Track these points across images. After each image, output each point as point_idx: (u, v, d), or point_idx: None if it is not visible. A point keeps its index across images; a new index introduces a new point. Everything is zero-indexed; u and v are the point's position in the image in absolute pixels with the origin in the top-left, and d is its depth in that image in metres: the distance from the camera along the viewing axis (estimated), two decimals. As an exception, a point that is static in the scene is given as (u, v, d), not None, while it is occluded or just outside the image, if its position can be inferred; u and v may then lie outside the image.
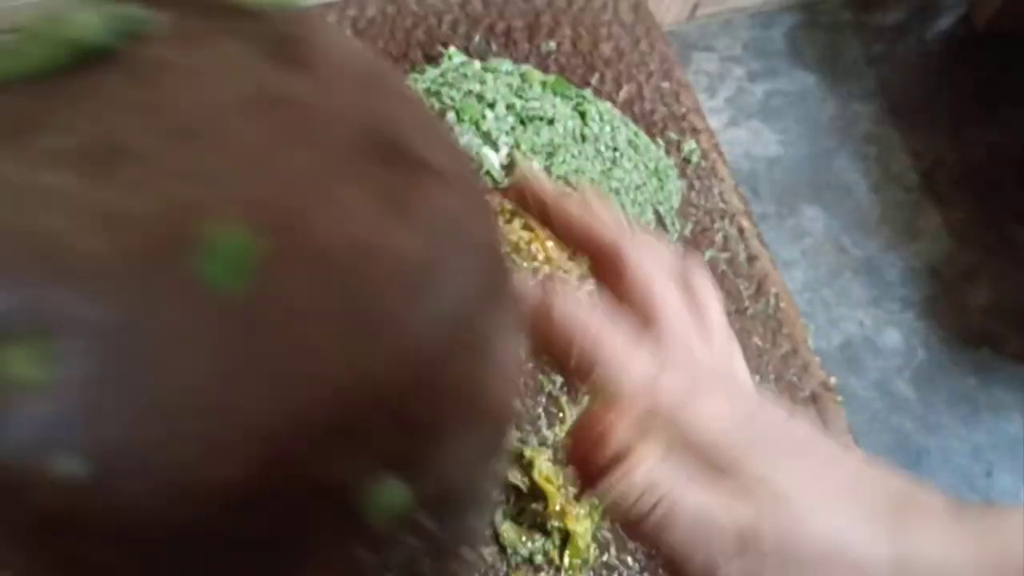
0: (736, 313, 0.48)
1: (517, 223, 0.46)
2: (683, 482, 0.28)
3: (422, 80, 0.50)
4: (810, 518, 0.28)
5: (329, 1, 0.54)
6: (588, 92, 0.52)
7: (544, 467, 0.41)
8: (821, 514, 0.29)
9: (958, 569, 0.29)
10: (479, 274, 0.20)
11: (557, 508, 0.40)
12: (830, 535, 0.28)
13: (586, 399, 0.40)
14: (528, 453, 0.41)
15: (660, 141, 0.52)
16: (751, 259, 0.49)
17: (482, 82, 0.50)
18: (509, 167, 0.48)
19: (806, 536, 0.28)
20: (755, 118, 0.65)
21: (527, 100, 0.50)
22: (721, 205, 0.51)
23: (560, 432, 0.42)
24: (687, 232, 0.49)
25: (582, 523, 0.40)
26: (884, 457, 0.51)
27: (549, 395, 0.43)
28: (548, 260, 0.47)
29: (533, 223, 0.47)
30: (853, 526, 0.29)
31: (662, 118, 0.53)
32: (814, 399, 0.46)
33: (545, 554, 0.40)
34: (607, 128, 0.50)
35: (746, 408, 0.29)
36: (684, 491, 0.28)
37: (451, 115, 0.48)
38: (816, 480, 0.29)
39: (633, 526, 0.29)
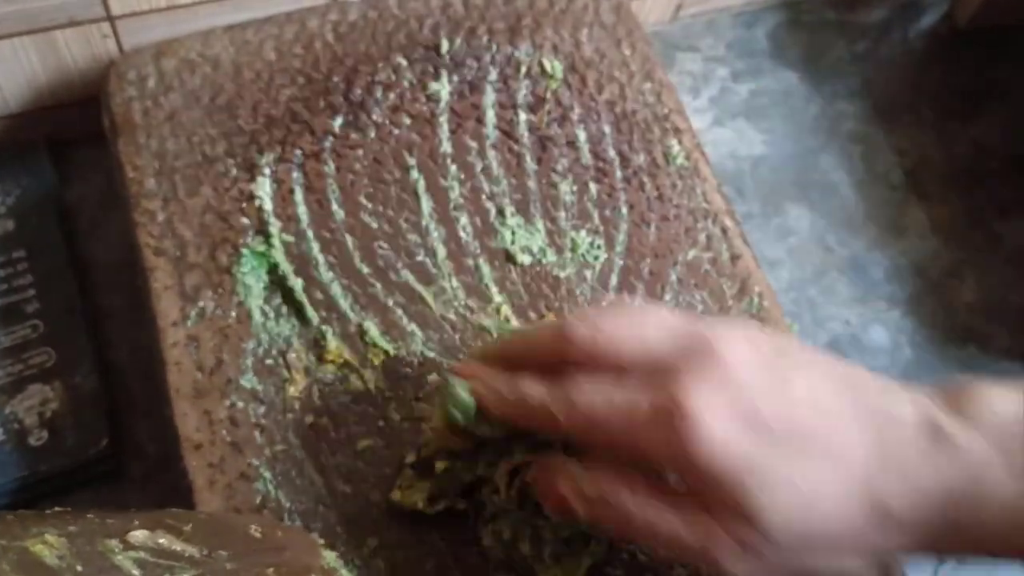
0: (719, 312, 0.48)
1: None
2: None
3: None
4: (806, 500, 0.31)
5: (311, 6, 0.54)
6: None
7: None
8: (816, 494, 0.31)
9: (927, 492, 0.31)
10: None
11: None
12: (845, 517, 0.31)
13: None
14: None
15: (642, 141, 0.52)
16: (734, 258, 0.49)
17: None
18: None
19: (827, 521, 0.31)
20: (739, 117, 0.65)
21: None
22: (704, 205, 0.51)
23: None
24: (670, 232, 0.50)
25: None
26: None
27: None
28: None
29: None
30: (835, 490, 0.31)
31: (644, 119, 0.53)
32: (798, 397, 0.46)
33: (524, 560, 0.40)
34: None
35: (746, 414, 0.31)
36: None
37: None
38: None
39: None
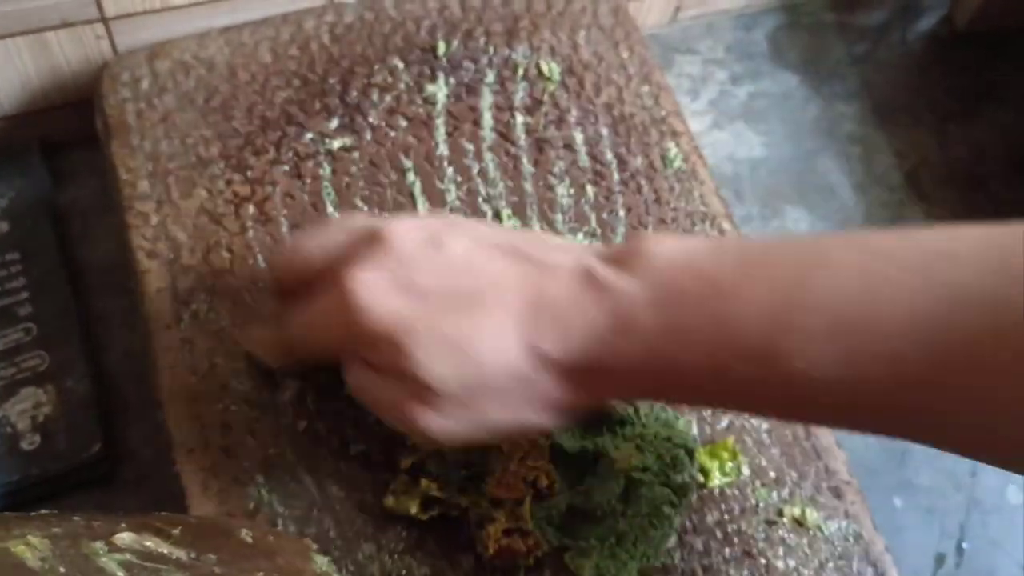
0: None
1: None
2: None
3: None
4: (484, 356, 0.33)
5: (307, 7, 0.54)
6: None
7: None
8: (493, 348, 0.33)
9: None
10: None
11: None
12: (502, 363, 0.33)
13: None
14: None
15: (640, 144, 0.52)
16: (732, 261, 0.49)
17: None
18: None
19: (483, 367, 0.33)
20: (738, 120, 0.65)
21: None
22: (702, 208, 0.50)
23: None
24: (668, 235, 0.49)
25: None
26: (868, 456, 0.51)
27: None
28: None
29: None
30: (511, 350, 0.33)
31: (642, 121, 0.52)
32: (796, 401, 0.46)
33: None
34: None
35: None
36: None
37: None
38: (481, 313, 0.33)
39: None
